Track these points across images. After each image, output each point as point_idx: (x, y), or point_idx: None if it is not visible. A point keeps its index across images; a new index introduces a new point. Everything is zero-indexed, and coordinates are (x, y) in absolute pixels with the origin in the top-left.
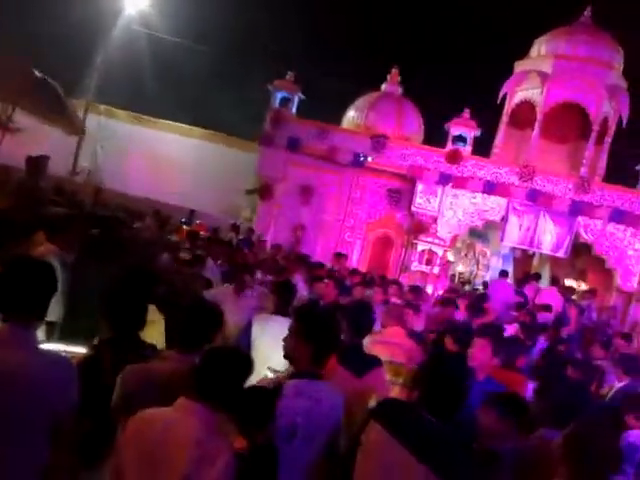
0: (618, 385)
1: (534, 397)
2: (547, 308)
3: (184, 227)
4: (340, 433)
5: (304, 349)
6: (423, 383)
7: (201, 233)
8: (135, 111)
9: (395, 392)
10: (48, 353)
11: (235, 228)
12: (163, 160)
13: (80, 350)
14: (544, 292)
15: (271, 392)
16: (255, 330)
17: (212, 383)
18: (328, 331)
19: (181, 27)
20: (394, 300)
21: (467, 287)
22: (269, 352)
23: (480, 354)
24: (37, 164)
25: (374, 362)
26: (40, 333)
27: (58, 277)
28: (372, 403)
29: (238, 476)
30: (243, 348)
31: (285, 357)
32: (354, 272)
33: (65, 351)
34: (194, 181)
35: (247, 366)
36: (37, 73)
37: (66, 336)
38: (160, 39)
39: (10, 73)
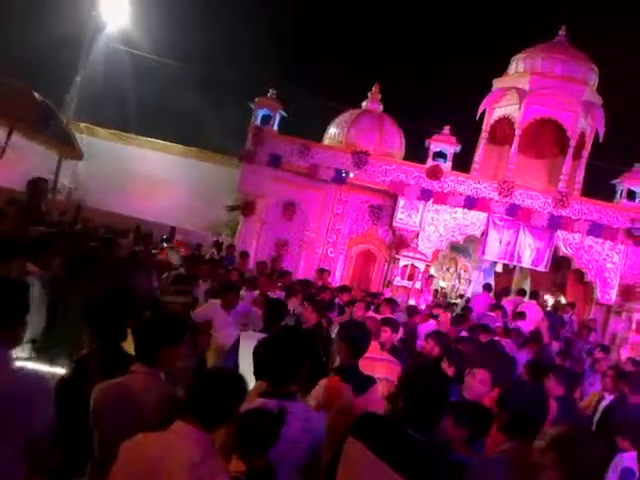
0: (607, 399)
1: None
2: (521, 315)
3: (164, 245)
4: (318, 457)
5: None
6: (402, 396)
7: (181, 250)
8: (116, 129)
9: None
10: (23, 371)
11: (217, 245)
12: (144, 177)
13: (60, 370)
14: (524, 306)
15: (276, 417)
16: (242, 348)
17: (207, 406)
18: (302, 353)
19: (162, 45)
20: (371, 314)
21: (449, 301)
22: None
23: (479, 386)
24: (37, 187)
25: (370, 380)
26: (24, 351)
27: (34, 296)
28: None
29: None
30: (230, 366)
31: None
32: (343, 289)
33: (46, 371)
34: (175, 198)
35: (242, 387)
36: (37, 96)
37: (45, 351)
38: (141, 57)
39: (10, 97)
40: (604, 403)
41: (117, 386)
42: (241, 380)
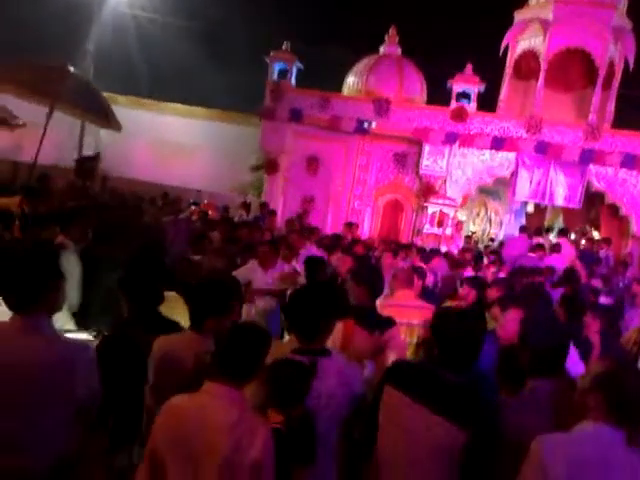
0: None
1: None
2: (557, 248)
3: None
4: (359, 408)
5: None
6: (435, 340)
7: (209, 213)
8: (135, 96)
9: (410, 352)
10: (63, 339)
11: (245, 206)
12: (166, 143)
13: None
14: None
15: (308, 368)
16: None
17: (234, 361)
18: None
19: (171, 6)
20: (402, 264)
21: (481, 245)
22: None
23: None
24: (82, 166)
25: (389, 322)
26: (66, 321)
27: (67, 268)
28: (390, 360)
29: (278, 450)
30: (274, 330)
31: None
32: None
33: (87, 339)
34: (200, 162)
35: (266, 340)
36: (74, 71)
37: (86, 321)
38: (150, 21)
39: (48, 75)
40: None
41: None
42: (264, 332)
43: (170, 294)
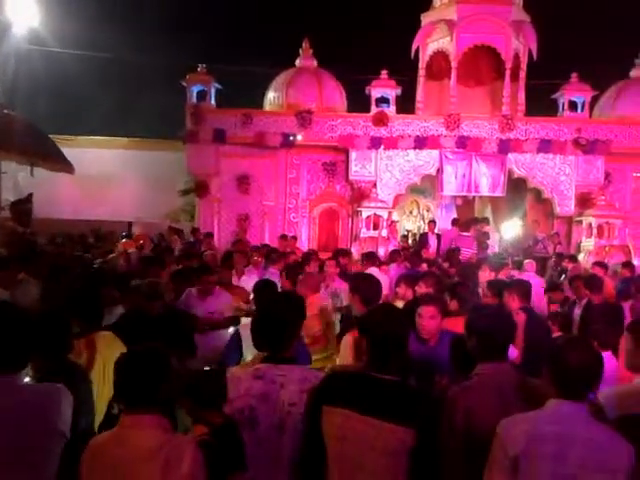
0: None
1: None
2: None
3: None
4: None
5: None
6: (365, 340)
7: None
8: (50, 133)
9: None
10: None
11: (177, 232)
12: (90, 177)
13: None
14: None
15: (216, 372)
16: (246, 339)
17: (136, 389)
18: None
19: (79, 40)
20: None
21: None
22: None
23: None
24: (19, 210)
25: None
26: None
27: None
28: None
29: (210, 461)
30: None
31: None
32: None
33: None
34: (127, 192)
35: (160, 360)
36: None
37: None
38: (59, 55)
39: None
40: (577, 311)
41: None
42: (157, 352)
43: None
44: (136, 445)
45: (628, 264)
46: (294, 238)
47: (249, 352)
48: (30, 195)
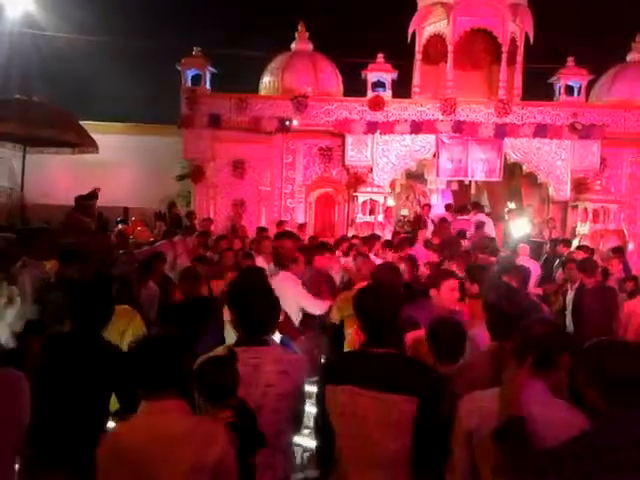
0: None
1: None
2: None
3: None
4: (299, 402)
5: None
6: (359, 319)
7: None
8: None
9: None
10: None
11: (161, 216)
12: (85, 162)
13: None
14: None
15: (226, 357)
16: (226, 314)
17: (156, 374)
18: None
19: (73, 22)
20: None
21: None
22: None
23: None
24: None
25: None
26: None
27: None
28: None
29: (237, 442)
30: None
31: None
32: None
33: None
34: (124, 178)
35: (175, 342)
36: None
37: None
38: (53, 38)
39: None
40: (570, 295)
41: None
42: (171, 336)
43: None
44: (165, 430)
45: (618, 249)
46: (285, 222)
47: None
48: (95, 190)
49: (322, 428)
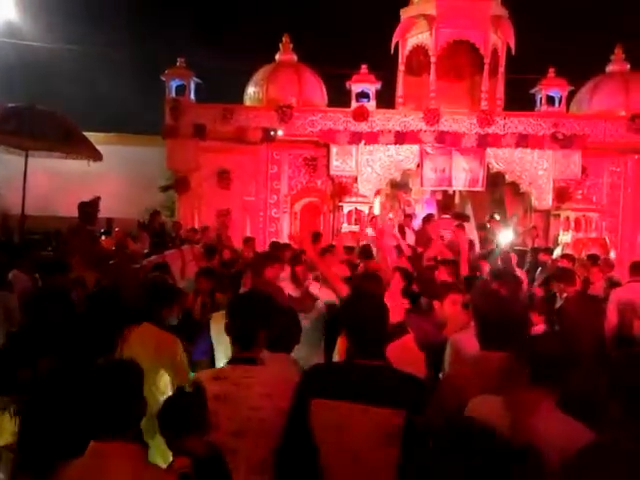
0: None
1: None
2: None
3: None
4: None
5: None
6: (345, 329)
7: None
8: None
9: None
10: None
11: (144, 227)
12: (68, 173)
13: None
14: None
15: (191, 394)
16: (213, 328)
17: (112, 410)
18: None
19: (59, 33)
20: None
21: None
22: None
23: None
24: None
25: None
26: None
27: None
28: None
29: None
30: (201, 351)
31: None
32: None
33: None
34: (105, 188)
35: (135, 373)
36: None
37: None
38: (38, 48)
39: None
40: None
41: None
42: (128, 367)
43: None
44: (100, 478)
45: (595, 257)
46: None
47: (221, 347)
48: (96, 198)
49: (303, 444)
